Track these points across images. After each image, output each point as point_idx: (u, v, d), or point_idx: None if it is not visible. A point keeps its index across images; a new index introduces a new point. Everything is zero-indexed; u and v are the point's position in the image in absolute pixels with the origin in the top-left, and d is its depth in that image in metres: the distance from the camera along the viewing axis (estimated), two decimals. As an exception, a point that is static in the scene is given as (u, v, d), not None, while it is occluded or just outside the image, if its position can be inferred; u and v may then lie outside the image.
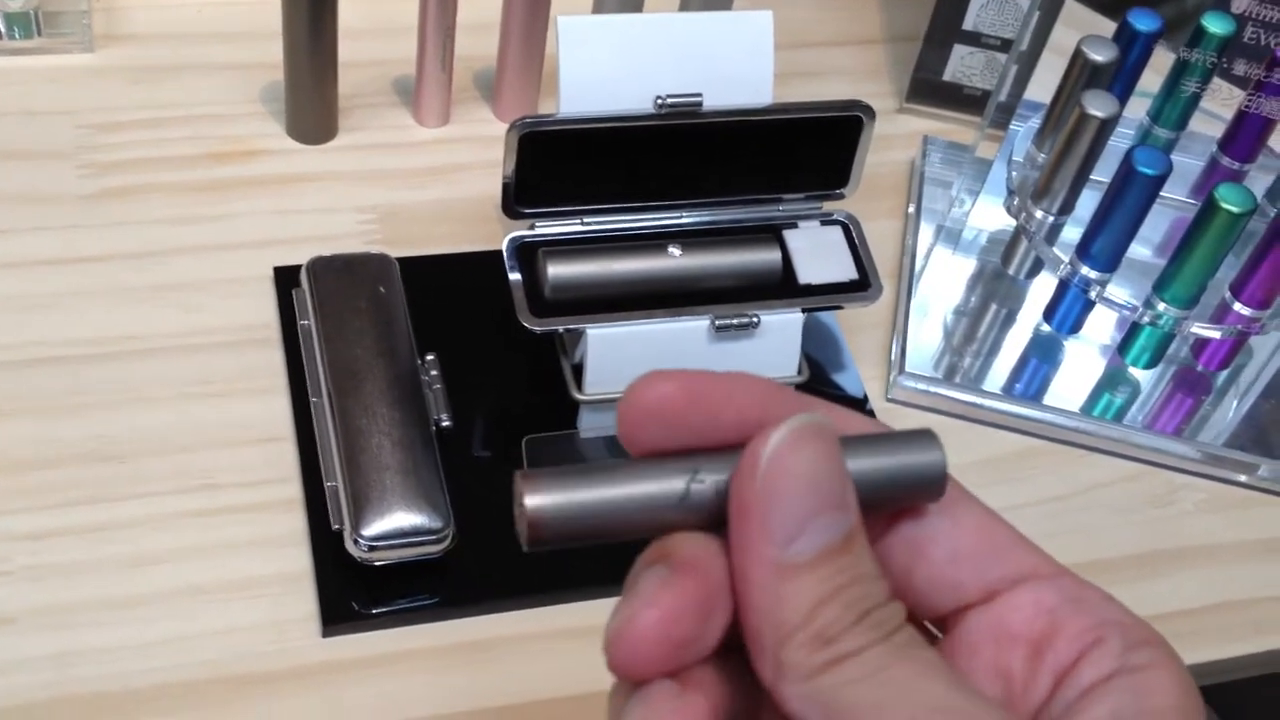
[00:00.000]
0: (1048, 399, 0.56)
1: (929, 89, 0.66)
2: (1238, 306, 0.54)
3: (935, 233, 0.61)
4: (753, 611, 0.22)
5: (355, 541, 0.45)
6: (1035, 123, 0.58)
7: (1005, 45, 0.64)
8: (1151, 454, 0.55)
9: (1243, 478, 0.55)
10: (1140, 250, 0.57)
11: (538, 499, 0.24)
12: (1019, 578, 0.25)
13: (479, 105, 0.63)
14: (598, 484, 0.24)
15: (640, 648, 0.22)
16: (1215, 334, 0.55)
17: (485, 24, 0.61)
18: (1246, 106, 0.57)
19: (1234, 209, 0.50)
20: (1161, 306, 0.54)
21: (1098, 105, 0.52)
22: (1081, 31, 0.56)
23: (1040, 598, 0.24)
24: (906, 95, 0.66)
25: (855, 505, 0.23)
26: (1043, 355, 0.58)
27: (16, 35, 0.60)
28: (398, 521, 0.45)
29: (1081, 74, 0.54)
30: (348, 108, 0.61)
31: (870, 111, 0.51)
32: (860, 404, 0.54)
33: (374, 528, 0.45)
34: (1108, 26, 0.59)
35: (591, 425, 0.51)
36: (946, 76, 0.65)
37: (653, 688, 0.23)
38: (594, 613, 0.48)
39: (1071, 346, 0.58)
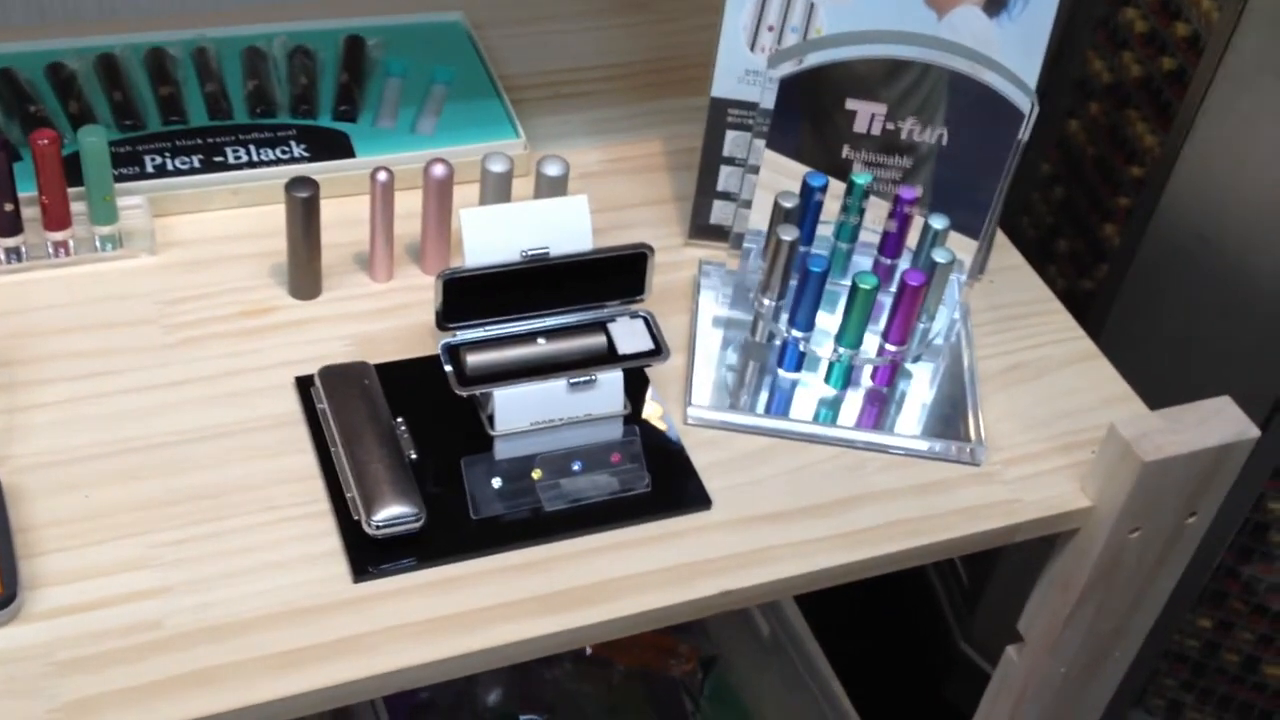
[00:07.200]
0: (791, 413, 0.90)
1: (703, 230, 1.01)
2: (887, 345, 0.89)
3: (710, 319, 0.95)
4: None
5: (368, 524, 0.77)
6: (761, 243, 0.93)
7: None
8: (851, 441, 0.89)
9: (921, 448, 0.89)
10: (830, 318, 0.92)
11: None
12: None
13: (410, 265, 0.97)
14: None
15: None
16: (874, 363, 0.89)
17: (412, 212, 0.95)
18: (887, 227, 0.93)
19: (865, 286, 0.85)
20: (841, 350, 0.89)
21: (785, 233, 0.87)
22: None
23: None
24: (689, 234, 1.01)
25: None
26: (781, 388, 0.92)
27: (109, 248, 0.93)
28: (391, 510, 0.78)
29: (777, 215, 0.89)
30: (327, 274, 0.94)
31: (650, 249, 0.85)
32: (664, 429, 0.88)
33: (379, 515, 0.77)
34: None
35: (501, 450, 0.84)
36: (712, 220, 1.00)
37: None
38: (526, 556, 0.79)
39: (801, 380, 0.92)
